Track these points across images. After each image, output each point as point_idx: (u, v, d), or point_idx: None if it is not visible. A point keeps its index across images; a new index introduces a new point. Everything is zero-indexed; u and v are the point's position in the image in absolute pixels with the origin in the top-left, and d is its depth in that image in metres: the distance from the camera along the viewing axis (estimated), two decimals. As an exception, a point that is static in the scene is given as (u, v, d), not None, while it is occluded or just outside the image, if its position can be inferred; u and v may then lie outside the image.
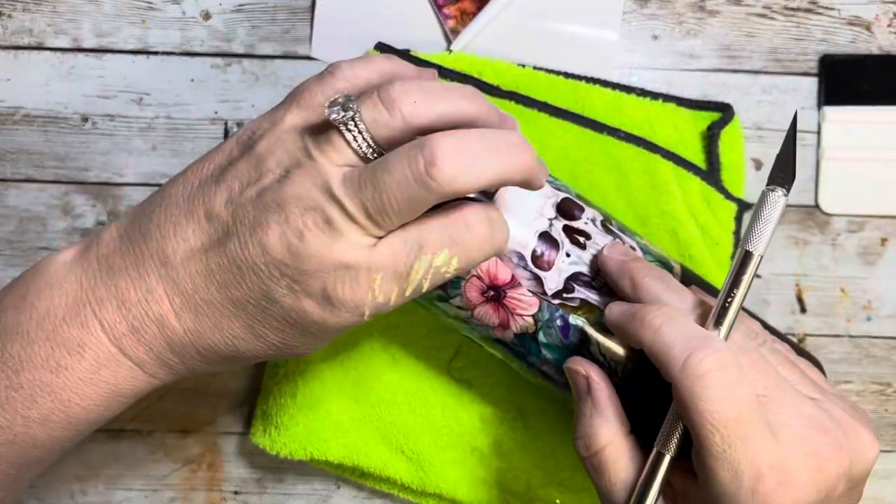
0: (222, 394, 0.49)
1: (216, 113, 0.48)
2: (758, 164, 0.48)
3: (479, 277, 0.36)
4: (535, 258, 0.36)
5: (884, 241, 0.49)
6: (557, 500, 0.46)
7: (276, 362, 0.45)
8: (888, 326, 0.49)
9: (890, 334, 0.49)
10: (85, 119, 0.48)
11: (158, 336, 0.31)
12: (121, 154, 0.48)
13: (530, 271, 0.36)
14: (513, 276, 0.36)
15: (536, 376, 0.39)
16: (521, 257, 0.36)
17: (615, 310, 0.34)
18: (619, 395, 0.35)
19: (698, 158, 0.47)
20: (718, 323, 0.32)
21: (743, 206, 0.47)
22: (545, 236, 0.36)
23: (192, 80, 0.48)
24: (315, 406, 0.44)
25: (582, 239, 0.37)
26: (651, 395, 0.35)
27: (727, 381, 0.30)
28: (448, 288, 0.36)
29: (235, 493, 0.49)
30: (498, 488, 0.46)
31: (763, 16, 0.48)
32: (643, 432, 0.35)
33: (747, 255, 0.32)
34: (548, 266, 0.36)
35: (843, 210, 0.48)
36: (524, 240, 0.36)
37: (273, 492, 0.49)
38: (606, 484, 0.33)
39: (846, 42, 0.48)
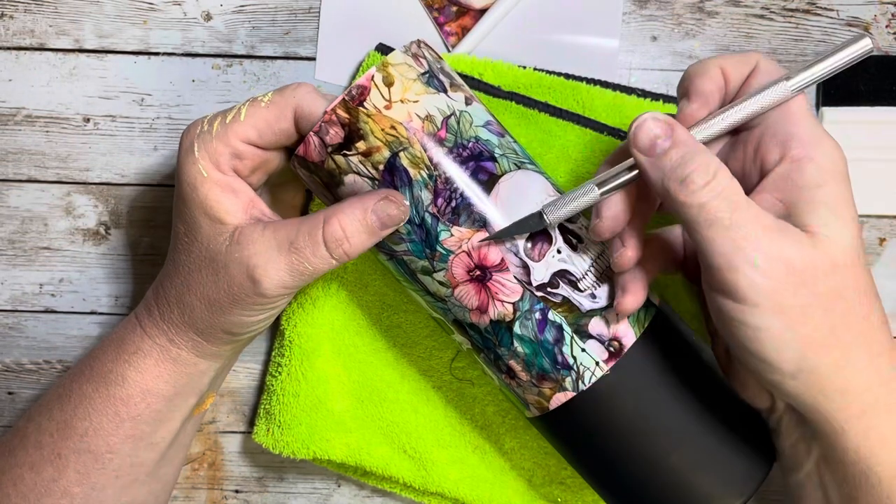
0: (224, 393, 0.49)
1: (217, 113, 0.48)
2: (756, 165, 0.49)
3: (468, 254, 0.36)
4: (528, 246, 0.36)
5: (882, 241, 0.49)
6: (559, 499, 0.46)
7: (280, 362, 0.45)
8: (886, 325, 0.49)
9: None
10: (86, 119, 0.48)
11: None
12: (122, 154, 0.48)
13: (520, 258, 0.36)
14: (502, 260, 0.36)
15: (499, 373, 0.38)
16: (514, 243, 0.36)
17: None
18: (583, 404, 0.36)
19: (697, 159, 0.47)
20: None
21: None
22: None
23: (194, 81, 0.48)
24: (318, 405, 0.45)
25: (574, 241, 0.37)
26: (623, 403, 0.36)
27: None
28: (435, 260, 0.36)
29: (237, 491, 0.49)
30: (499, 487, 0.46)
31: (762, 17, 0.48)
32: (607, 449, 0.36)
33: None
34: (538, 257, 0.36)
35: (841, 210, 0.49)
36: None
37: (274, 490, 0.49)
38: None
39: (844, 43, 0.48)
